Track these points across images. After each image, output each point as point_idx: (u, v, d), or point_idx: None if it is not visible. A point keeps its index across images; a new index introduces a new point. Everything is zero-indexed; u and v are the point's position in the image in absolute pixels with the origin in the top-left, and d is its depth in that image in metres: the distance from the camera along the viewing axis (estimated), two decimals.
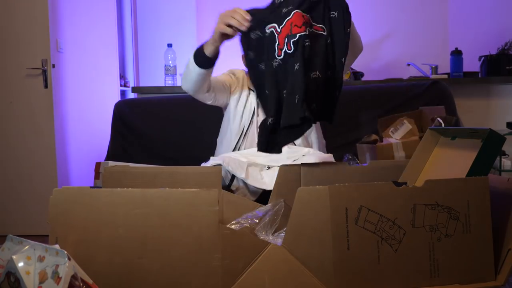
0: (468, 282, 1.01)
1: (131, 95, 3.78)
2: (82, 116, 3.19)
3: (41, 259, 0.83)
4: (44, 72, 2.79)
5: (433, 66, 2.98)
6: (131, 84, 4.02)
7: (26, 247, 0.85)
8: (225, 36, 1.55)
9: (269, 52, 1.50)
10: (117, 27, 3.69)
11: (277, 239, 1.11)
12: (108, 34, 3.54)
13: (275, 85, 1.56)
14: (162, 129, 2.59)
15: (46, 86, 2.81)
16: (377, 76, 3.24)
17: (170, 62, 2.83)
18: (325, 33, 1.49)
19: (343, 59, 1.53)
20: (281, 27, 1.46)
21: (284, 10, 1.47)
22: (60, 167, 2.88)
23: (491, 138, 1.08)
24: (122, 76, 4.00)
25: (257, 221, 1.23)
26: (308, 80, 1.48)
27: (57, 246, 0.85)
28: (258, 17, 1.51)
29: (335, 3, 1.51)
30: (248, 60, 1.60)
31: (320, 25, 1.49)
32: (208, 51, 1.59)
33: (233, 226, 1.24)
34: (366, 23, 3.54)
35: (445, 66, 3.05)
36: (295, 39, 1.43)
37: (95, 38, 3.38)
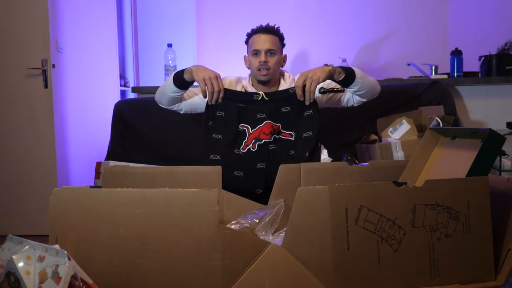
0: (468, 282, 1.01)
1: (131, 95, 3.77)
2: (82, 116, 3.19)
3: (41, 259, 0.83)
4: (44, 72, 2.79)
5: (433, 66, 2.97)
6: (131, 84, 4.02)
7: (26, 247, 0.85)
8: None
9: (236, 141, 1.82)
10: (117, 27, 3.68)
11: (277, 239, 1.12)
12: (108, 34, 3.54)
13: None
14: (162, 129, 2.59)
15: (46, 86, 2.80)
16: (377, 76, 3.22)
17: (170, 62, 2.83)
18: (293, 138, 1.82)
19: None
20: (253, 130, 1.83)
21: (258, 116, 1.82)
22: (60, 167, 2.88)
23: (491, 138, 1.08)
24: (122, 76, 4.00)
25: (257, 221, 1.24)
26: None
27: (57, 246, 0.85)
28: (230, 98, 1.81)
29: (312, 103, 1.79)
30: (206, 126, 1.84)
31: (289, 132, 1.83)
32: (186, 78, 1.83)
33: (233, 226, 1.24)
34: (366, 23, 3.54)
35: (445, 66, 3.05)
36: (261, 143, 1.80)
37: (95, 38, 3.37)
